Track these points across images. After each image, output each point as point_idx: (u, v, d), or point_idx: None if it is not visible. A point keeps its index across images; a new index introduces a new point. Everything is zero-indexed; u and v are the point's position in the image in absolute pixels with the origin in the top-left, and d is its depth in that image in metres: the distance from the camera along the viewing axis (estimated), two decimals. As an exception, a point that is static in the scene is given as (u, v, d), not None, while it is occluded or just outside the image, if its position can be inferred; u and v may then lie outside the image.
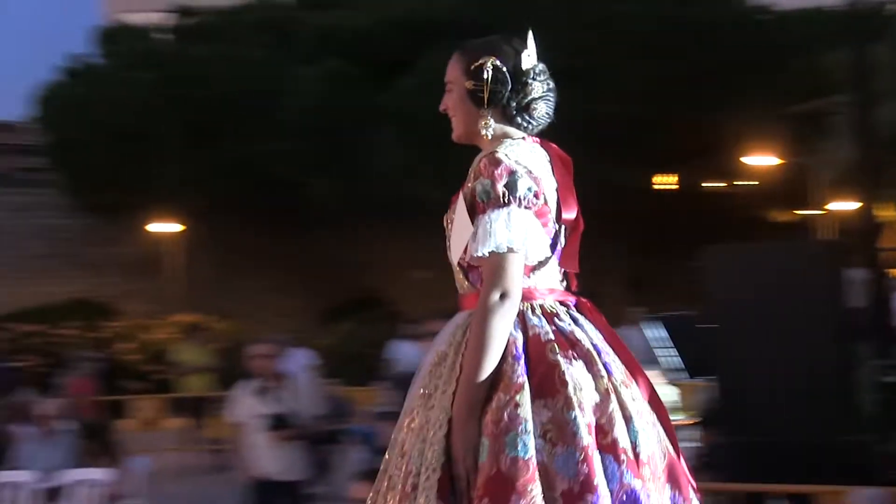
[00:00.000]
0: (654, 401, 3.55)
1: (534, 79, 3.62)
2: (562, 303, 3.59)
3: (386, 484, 3.56)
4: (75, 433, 12.33)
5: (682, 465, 3.50)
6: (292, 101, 27.46)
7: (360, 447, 14.10)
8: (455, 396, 3.43)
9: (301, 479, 9.55)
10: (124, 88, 29.37)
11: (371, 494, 3.63)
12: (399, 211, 25.82)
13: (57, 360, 22.39)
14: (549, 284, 3.58)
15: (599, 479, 3.28)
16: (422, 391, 3.59)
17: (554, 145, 3.72)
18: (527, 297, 3.51)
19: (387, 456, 3.62)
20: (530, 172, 3.51)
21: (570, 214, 3.59)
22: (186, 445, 18.95)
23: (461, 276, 3.64)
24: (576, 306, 3.64)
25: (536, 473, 3.27)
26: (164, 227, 30.61)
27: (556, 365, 3.39)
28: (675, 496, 3.44)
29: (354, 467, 11.42)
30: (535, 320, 3.49)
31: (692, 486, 3.51)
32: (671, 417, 3.63)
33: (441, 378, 3.54)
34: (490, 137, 3.61)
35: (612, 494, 3.29)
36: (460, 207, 3.57)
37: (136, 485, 11.52)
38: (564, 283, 3.67)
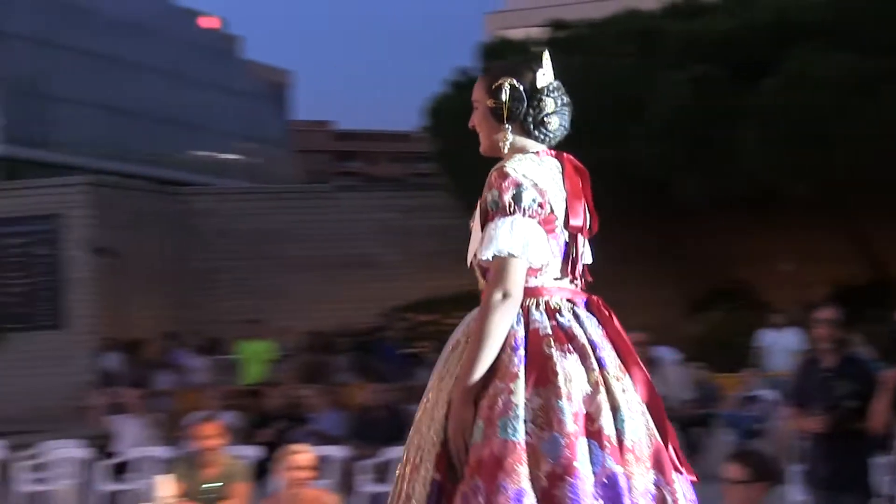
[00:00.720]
0: (649, 393, 3.56)
1: (548, 95, 3.74)
2: (570, 300, 3.66)
3: (405, 457, 3.68)
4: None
5: (669, 452, 3.49)
6: (659, 105, 27.42)
7: (729, 430, 13.90)
8: (455, 381, 3.55)
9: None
10: (504, 98, 30.01)
11: (399, 466, 3.72)
12: (762, 205, 25.47)
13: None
14: (557, 283, 3.66)
15: (580, 463, 3.33)
16: (437, 374, 3.70)
17: (570, 157, 3.81)
18: (534, 294, 3.61)
19: (411, 432, 3.72)
20: (536, 185, 3.62)
21: (577, 221, 3.68)
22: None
23: (479, 275, 3.72)
24: (586, 304, 3.71)
25: (524, 455, 3.34)
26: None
27: (550, 357, 3.46)
28: (658, 479, 3.43)
29: (725, 449, 11.24)
30: (536, 316, 3.57)
31: (678, 470, 3.51)
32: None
33: (452, 364, 3.64)
34: (509, 150, 3.74)
35: (594, 477, 3.35)
36: (477, 215, 3.68)
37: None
38: (577, 283, 3.74)
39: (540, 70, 3.79)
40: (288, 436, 11.62)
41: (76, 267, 30.71)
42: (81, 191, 31.31)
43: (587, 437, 3.41)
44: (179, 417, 15.11)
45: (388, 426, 12.05)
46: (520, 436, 3.38)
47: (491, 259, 3.56)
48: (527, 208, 3.59)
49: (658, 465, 3.48)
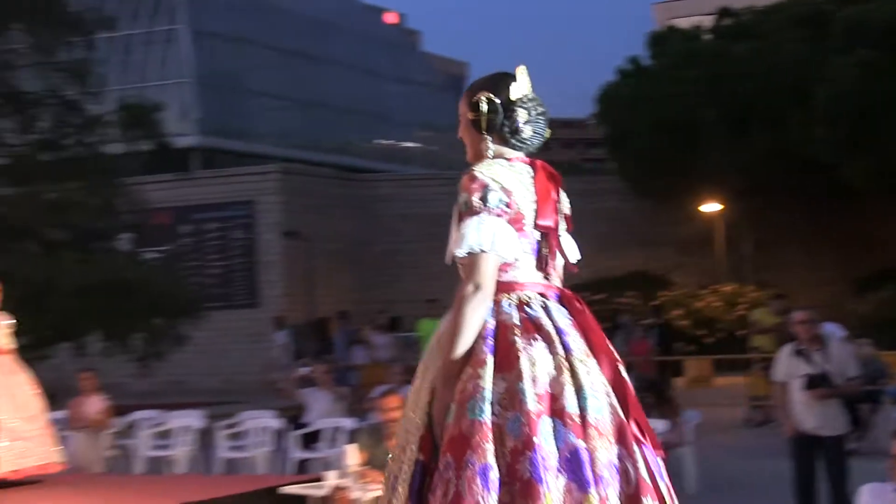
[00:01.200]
0: (615, 375, 3.69)
1: (520, 106, 3.84)
2: (542, 294, 3.77)
3: (397, 441, 3.84)
4: (634, 387, 12.59)
5: (632, 428, 3.61)
6: (825, 90, 26.80)
7: (896, 407, 13.52)
8: (438, 369, 3.71)
9: (839, 435, 9.28)
10: (672, 85, 29.75)
11: (394, 448, 3.87)
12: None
13: (622, 325, 22.94)
14: (530, 278, 3.78)
15: (540, 439, 3.46)
16: (423, 364, 3.84)
17: (543, 163, 3.91)
18: (507, 289, 3.73)
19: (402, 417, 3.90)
20: (502, 187, 3.72)
21: (546, 222, 3.80)
22: (732, 401, 18.85)
23: (461, 272, 3.81)
24: (558, 297, 3.80)
25: (490, 433, 3.49)
26: (710, 207, 30.79)
27: (514, 345, 3.60)
28: (620, 452, 3.55)
29: (892, 425, 10.95)
30: (506, 308, 3.70)
31: (641, 443, 3.61)
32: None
33: (435, 355, 3.77)
34: (491, 157, 3.83)
35: (558, 451, 3.48)
36: (454, 215, 3.78)
37: (687, 435, 11.60)
38: (552, 278, 3.85)
39: (514, 84, 3.87)
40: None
41: (268, 249, 31.43)
42: (273, 178, 32.00)
43: (551, 416, 3.53)
44: (365, 391, 15.36)
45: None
46: (486, 416, 3.51)
47: (464, 256, 3.68)
48: (493, 207, 3.70)
49: (621, 440, 3.58)
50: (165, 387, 26.86)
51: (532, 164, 3.91)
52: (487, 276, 3.66)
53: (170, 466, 12.63)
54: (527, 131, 3.88)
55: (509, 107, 3.86)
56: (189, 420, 12.91)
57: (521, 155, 3.91)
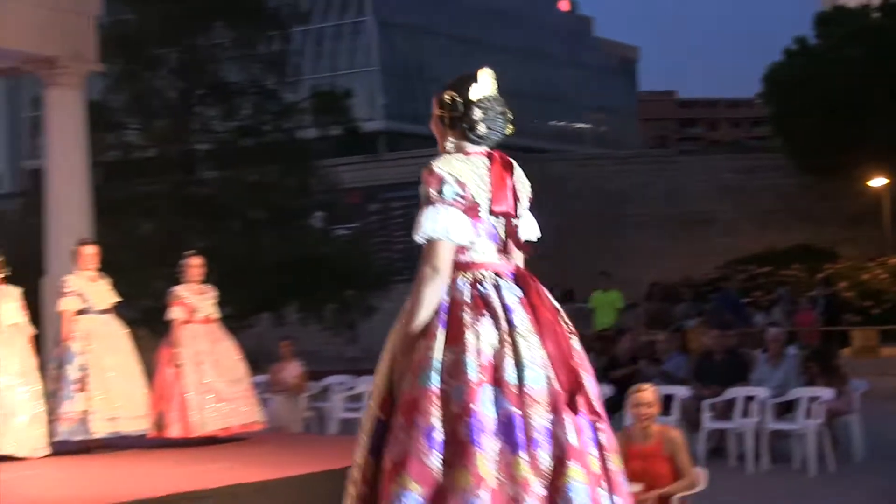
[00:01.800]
0: (559, 349, 3.80)
1: (478, 106, 3.99)
2: (496, 273, 3.92)
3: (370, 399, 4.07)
4: (801, 357, 12.31)
5: (564, 397, 3.73)
6: None
7: None
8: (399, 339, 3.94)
9: None
10: (838, 64, 28.89)
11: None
12: None
13: (782, 297, 22.45)
14: (486, 259, 3.92)
15: (479, 406, 3.65)
16: (392, 334, 4.03)
17: (499, 154, 4.05)
18: (463, 268, 3.90)
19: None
20: (457, 180, 3.89)
21: (501, 207, 3.94)
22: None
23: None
24: (513, 275, 3.94)
25: (436, 399, 3.68)
26: (877, 181, 29.94)
27: (462, 321, 3.77)
28: (553, 419, 3.70)
29: None
30: (460, 286, 3.87)
31: (575, 412, 3.75)
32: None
33: (398, 326, 3.98)
34: (452, 151, 4.01)
35: (496, 417, 3.66)
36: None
37: (854, 403, 11.30)
38: (512, 258, 4.00)
39: (475, 85, 4.03)
40: (636, 377, 11.62)
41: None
42: (453, 159, 32.27)
43: (492, 385, 3.71)
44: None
45: (729, 368, 11.85)
46: (433, 384, 3.70)
47: (423, 241, 3.89)
48: (448, 198, 3.87)
49: (554, 408, 3.72)
50: (357, 353, 27.37)
51: (489, 156, 4.03)
52: (443, 259, 3.86)
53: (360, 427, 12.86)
54: (482, 128, 4.01)
55: (469, 106, 4.01)
56: (378, 384, 13.12)
57: (480, 148, 4.04)
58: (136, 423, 9.64)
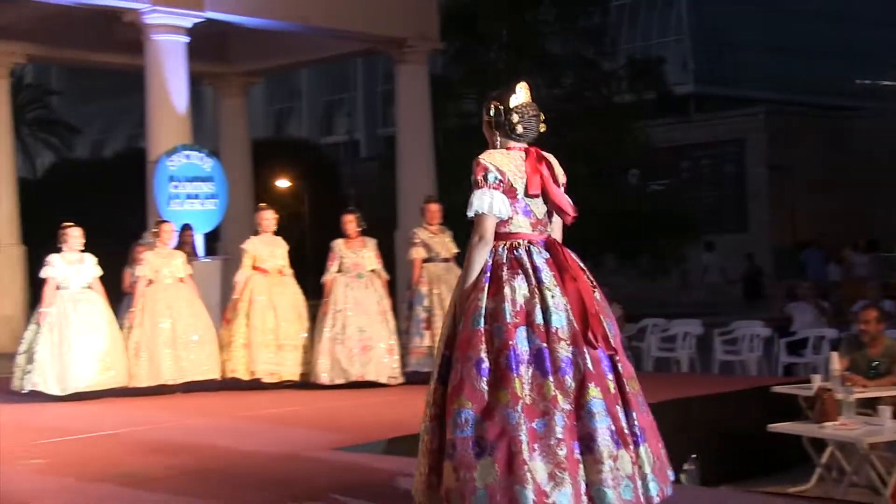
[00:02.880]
0: (574, 299, 4.32)
1: (515, 112, 4.48)
2: (530, 241, 4.44)
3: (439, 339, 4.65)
4: None
5: (585, 336, 4.25)
6: None
7: None
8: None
9: None
10: None
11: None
12: None
13: None
14: (521, 230, 4.44)
15: (516, 342, 4.21)
16: (454, 291, 4.59)
17: (535, 149, 4.53)
18: (503, 238, 4.43)
19: None
20: (498, 168, 4.41)
21: (534, 191, 4.45)
22: None
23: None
24: (544, 243, 4.47)
25: (483, 338, 4.25)
26: None
27: (501, 278, 4.34)
28: (574, 350, 4.23)
29: None
30: (500, 251, 4.41)
31: (593, 346, 4.25)
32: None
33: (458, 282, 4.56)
34: (498, 147, 4.51)
35: (529, 350, 4.22)
36: None
37: None
38: (542, 230, 4.49)
39: (513, 95, 4.52)
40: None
41: (755, 181, 30.89)
42: (760, 119, 31.42)
43: (525, 326, 4.27)
44: (846, 305, 14.65)
45: None
46: (481, 326, 4.27)
47: (472, 216, 4.40)
48: (491, 183, 4.40)
49: (575, 343, 4.25)
50: (665, 297, 27.06)
51: (526, 151, 4.53)
52: (488, 230, 4.40)
53: (674, 366, 12.69)
54: (519, 129, 4.50)
55: (508, 112, 4.50)
56: (689, 327, 12.87)
57: (519, 144, 4.53)
58: (476, 357, 9.87)
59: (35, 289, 11.05)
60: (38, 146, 36.21)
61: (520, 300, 4.29)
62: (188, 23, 13.99)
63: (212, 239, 16.26)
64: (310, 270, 12.38)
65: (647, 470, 4.18)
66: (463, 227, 11.10)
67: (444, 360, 4.39)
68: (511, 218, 4.43)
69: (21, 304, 15.97)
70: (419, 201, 10.76)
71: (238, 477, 5.73)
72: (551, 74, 22.92)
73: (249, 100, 20.17)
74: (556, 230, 4.59)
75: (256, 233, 10.12)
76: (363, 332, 9.68)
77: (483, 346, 4.23)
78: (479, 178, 4.42)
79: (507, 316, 4.25)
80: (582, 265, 4.49)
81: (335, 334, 9.68)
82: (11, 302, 15.94)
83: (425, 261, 10.03)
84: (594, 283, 4.47)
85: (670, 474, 4.32)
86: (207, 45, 15.65)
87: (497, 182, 4.40)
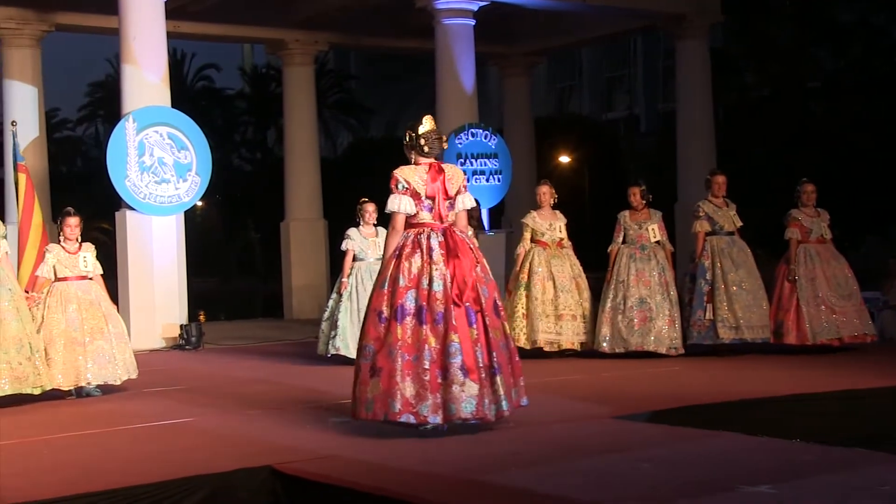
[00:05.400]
0: (455, 271, 5.91)
1: (422, 137, 6.10)
2: (431, 229, 6.03)
3: None
4: None
5: (454, 297, 5.85)
6: None
7: None
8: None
9: None
10: None
11: None
12: None
13: None
14: (426, 221, 6.04)
15: (404, 300, 5.86)
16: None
17: (436, 164, 6.14)
18: (413, 226, 6.05)
19: None
20: (406, 179, 6.04)
21: (431, 194, 6.04)
22: None
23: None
24: (443, 230, 6.04)
25: (385, 297, 5.91)
26: None
27: (403, 255, 5.97)
28: (446, 307, 5.84)
29: None
30: (408, 236, 6.03)
31: (459, 305, 5.84)
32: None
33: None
34: (412, 163, 6.14)
35: (414, 306, 5.85)
36: None
37: None
38: (441, 221, 6.07)
39: (421, 126, 6.11)
40: None
41: None
42: None
43: (415, 289, 5.86)
44: None
45: None
46: (385, 288, 5.93)
47: (389, 212, 6.05)
48: (400, 190, 6.02)
49: (446, 302, 5.82)
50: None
51: (430, 165, 6.10)
52: (398, 223, 6.03)
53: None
54: (426, 149, 6.09)
55: (418, 138, 6.09)
56: None
57: (426, 160, 6.12)
58: (758, 331, 9.62)
59: (335, 260, 11.60)
60: (338, 127, 38.01)
61: (414, 271, 5.88)
62: (475, 6, 14.35)
63: (497, 213, 16.53)
64: (590, 243, 12.36)
65: (501, 392, 5.79)
66: (740, 201, 10.66)
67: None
68: (417, 213, 6.01)
69: (323, 274, 16.86)
70: (699, 175, 10.51)
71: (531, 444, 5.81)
72: (837, 44, 21.73)
73: (533, 78, 20.31)
74: (459, 219, 6.13)
75: (536, 207, 10.21)
76: (644, 304, 9.60)
77: (384, 302, 5.86)
78: (393, 186, 6.02)
79: (402, 282, 5.86)
80: (472, 246, 6.10)
81: (616, 304, 9.66)
82: (315, 272, 16.85)
83: (709, 234, 9.81)
84: (478, 260, 6.02)
85: (524, 400, 5.95)
86: (492, 27, 15.89)
87: (404, 189, 6.00)
